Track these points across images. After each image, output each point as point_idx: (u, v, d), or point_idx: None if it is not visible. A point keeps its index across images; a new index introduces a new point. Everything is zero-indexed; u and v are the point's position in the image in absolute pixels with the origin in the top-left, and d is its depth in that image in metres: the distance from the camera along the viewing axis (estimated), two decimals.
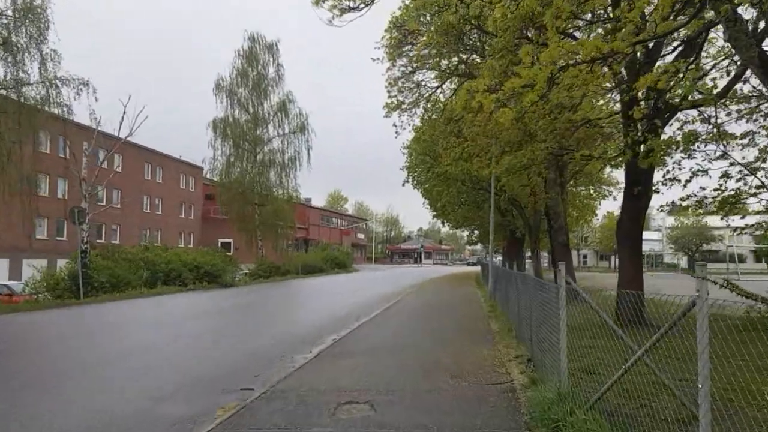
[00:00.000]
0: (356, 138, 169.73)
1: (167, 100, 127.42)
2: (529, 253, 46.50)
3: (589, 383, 7.35)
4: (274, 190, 48.28)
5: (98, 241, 44.20)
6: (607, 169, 32.34)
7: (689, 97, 12.74)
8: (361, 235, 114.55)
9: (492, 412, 7.02)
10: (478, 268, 63.97)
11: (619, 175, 34.26)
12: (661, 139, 13.15)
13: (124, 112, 28.77)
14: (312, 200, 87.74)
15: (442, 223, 55.48)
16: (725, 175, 14.96)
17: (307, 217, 78.29)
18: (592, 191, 39.60)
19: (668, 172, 15.06)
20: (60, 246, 43.06)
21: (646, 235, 17.21)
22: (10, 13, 21.98)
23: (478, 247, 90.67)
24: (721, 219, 16.02)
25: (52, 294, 25.08)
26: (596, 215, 50.14)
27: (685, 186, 14.93)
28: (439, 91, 25.82)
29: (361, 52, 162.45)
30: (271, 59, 48.40)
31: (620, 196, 39.44)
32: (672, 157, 15.04)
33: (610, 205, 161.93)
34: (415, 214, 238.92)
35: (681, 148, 13.50)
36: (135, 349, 12.93)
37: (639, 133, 12.36)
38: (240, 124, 47.49)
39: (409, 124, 26.84)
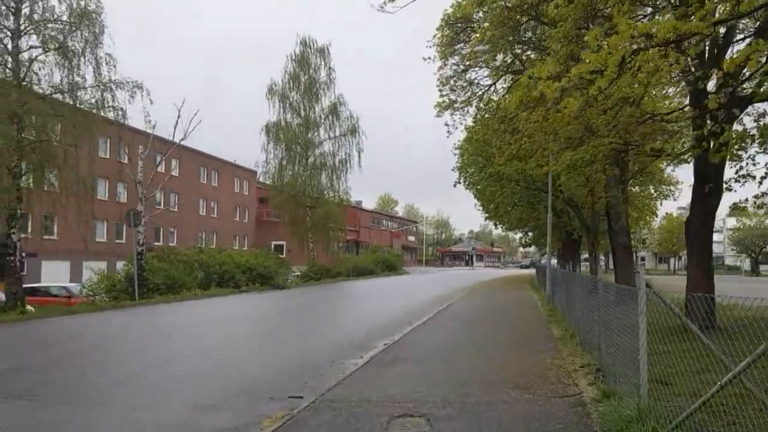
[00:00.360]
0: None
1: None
2: (585, 256, 45.06)
3: (668, 397, 6.65)
4: (325, 192, 48.34)
5: (156, 243, 45.12)
6: (669, 168, 30.93)
7: (763, 87, 11.73)
8: (411, 238, 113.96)
9: (561, 430, 6.38)
10: (532, 271, 62.58)
11: (681, 173, 32.87)
12: (736, 131, 12.20)
13: (179, 116, 29.02)
14: (363, 203, 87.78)
15: (495, 224, 54.30)
16: None
17: (358, 220, 78.29)
18: (652, 190, 37.98)
19: (741, 168, 14.01)
20: (119, 248, 44.10)
21: None
22: (65, 18, 22.38)
23: (532, 249, 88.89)
24: None
25: (109, 296, 25.52)
26: (656, 216, 48.26)
27: (760, 183, 13.85)
28: (492, 89, 25.13)
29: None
30: (323, 63, 48.48)
31: (681, 196, 37.76)
32: (746, 152, 13.99)
33: (669, 205, 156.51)
34: (465, 215, 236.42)
35: (757, 141, 12.52)
36: (182, 352, 12.77)
37: (715, 123, 11.42)
38: (292, 128, 47.70)
39: (461, 123, 26.22)
